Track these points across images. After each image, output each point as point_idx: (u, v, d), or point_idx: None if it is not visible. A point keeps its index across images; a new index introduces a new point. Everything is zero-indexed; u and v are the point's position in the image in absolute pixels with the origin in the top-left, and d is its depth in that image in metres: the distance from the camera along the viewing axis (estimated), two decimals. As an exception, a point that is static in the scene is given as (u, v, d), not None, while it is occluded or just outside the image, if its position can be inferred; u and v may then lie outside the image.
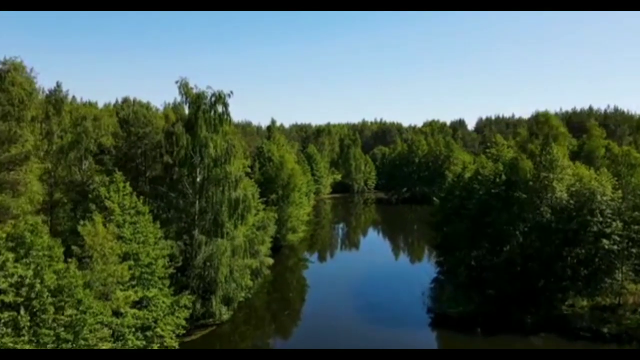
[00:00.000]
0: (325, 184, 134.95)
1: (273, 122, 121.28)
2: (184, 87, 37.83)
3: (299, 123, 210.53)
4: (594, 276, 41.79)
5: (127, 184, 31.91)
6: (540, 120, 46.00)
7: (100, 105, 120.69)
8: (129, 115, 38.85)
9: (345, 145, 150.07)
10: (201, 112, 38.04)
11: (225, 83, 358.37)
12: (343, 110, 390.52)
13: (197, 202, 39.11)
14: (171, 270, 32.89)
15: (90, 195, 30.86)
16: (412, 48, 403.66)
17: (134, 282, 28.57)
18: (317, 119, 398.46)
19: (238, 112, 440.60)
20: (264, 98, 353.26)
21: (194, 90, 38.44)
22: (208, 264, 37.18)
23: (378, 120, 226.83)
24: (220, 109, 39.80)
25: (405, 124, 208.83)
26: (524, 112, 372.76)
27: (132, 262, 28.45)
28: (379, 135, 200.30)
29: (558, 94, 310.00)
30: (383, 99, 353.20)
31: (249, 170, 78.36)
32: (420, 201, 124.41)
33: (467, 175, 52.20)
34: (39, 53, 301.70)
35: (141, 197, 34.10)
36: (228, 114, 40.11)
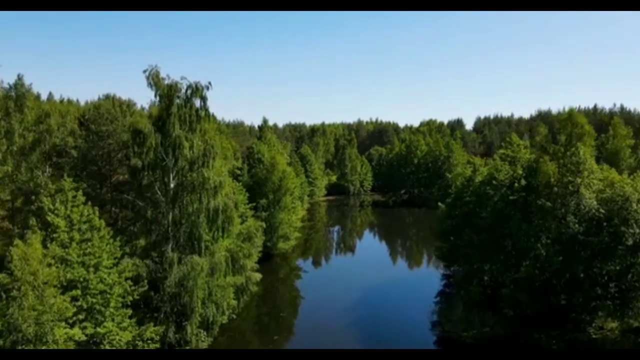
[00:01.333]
0: (320, 185, 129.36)
1: (265, 121, 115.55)
2: (153, 78, 32.12)
3: (293, 123, 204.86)
4: (626, 294, 36.63)
5: (80, 192, 26.20)
6: (562, 118, 40.69)
7: (82, 103, 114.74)
8: (89, 111, 33.09)
9: (341, 145, 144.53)
10: (174, 106, 32.39)
11: (219, 83, 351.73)
12: (338, 109, 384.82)
13: (171, 212, 33.47)
14: (133, 296, 27.18)
15: (32, 207, 25.13)
16: (408, 47, 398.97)
17: (81, 317, 22.87)
18: (311, 119, 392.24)
19: (230, 112, 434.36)
20: (257, 97, 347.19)
21: (166, 81, 32.76)
22: (183, 284, 31.50)
23: (374, 119, 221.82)
24: (197, 103, 34.17)
25: (401, 124, 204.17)
26: (524, 111, 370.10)
27: (78, 292, 22.75)
28: (375, 135, 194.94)
29: (558, 93, 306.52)
30: (379, 98, 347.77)
31: (238, 172, 73.11)
32: (419, 204, 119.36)
33: (478, 179, 46.83)
34: (34, 54, 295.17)
35: (98, 208, 28.49)
36: (207, 109, 34.48)
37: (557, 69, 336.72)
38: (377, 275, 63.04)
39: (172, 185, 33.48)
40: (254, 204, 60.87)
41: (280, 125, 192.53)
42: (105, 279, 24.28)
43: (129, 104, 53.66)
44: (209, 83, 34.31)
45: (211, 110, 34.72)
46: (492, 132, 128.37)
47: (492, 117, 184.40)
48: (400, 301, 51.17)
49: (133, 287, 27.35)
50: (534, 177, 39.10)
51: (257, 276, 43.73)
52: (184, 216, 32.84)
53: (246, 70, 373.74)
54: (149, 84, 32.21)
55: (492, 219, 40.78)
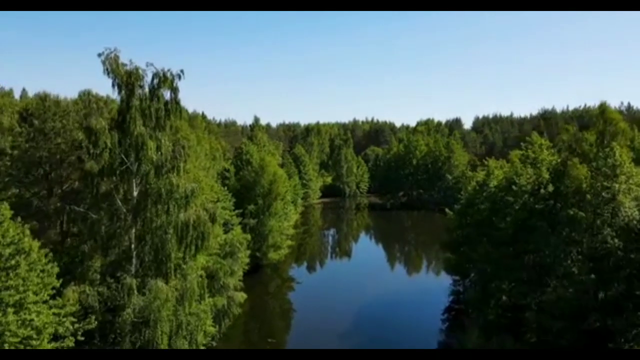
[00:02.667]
0: (315, 188, 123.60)
1: (256, 119, 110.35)
2: (110, 63, 26.33)
3: (287, 123, 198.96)
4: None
5: (5, 205, 20.39)
6: (594, 113, 35.36)
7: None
8: (32, 104, 27.29)
9: (336, 145, 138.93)
10: (136, 98, 26.65)
11: (211, 81, 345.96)
12: (333, 109, 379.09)
13: (134, 226, 27.72)
14: (77, 337, 21.41)
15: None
16: (405, 46, 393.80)
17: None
18: (306, 118, 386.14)
19: (223, 112, 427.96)
20: (251, 97, 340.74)
21: (128, 67, 26.99)
22: (145, 316, 25.75)
23: (369, 119, 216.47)
24: (167, 95, 28.48)
25: (397, 124, 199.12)
26: (523, 110, 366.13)
27: (-12, 343, 16.97)
28: (372, 135, 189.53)
29: (558, 91, 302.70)
30: (375, 98, 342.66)
31: (227, 174, 67.43)
32: (418, 207, 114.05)
33: (493, 183, 41.34)
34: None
35: (42, 222, 22.77)
36: (178, 103, 28.75)
37: (557, 67, 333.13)
38: (376, 286, 57.85)
39: (135, 194, 27.75)
40: (241, 210, 55.24)
41: (273, 125, 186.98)
42: (32, 320, 18.49)
43: (106, 101, 47.82)
44: (181, 71, 28.60)
45: (201, 109, 29.41)
46: (494, 132, 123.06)
47: (491, 116, 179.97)
48: (403, 317, 46.00)
49: (77, 325, 21.58)
50: (562, 182, 33.66)
51: (241, 296, 37.98)
52: (148, 231, 27.10)
53: (239, 68, 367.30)
54: (106, 70, 26.43)
55: (513, 230, 35.32)
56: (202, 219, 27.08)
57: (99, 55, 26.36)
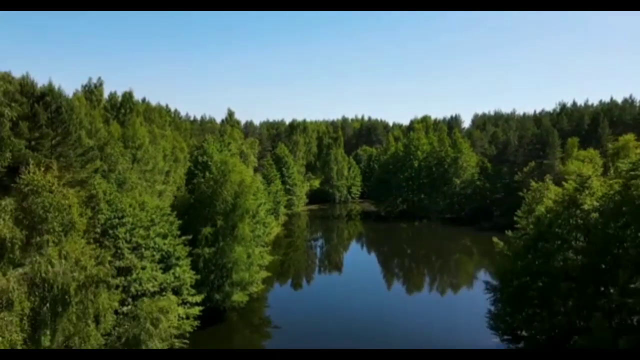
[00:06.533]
0: (300, 193, 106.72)
1: (230, 113, 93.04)
2: None
3: (271, 120, 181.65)
4: None
5: None
6: None
7: None
8: None
9: (325, 144, 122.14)
10: None
11: (196, 78, 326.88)
12: (320, 106, 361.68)
13: None
14: None
15: None
16: (395, 43, 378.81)
17: None
18: (291, 116, 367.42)
19: (202, 109, 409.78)
20: (230, 91, 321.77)
21: None
22: None
23: (360, 117, 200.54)
24: None
25: (390, 122, 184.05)
26: (526, 108, 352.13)
27: None
28: (363, 133, 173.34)
29: (559, 88, 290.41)
30: (365, 94, 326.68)
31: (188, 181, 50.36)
32: (419, 215, 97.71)
33: (588, 202, 25.04)
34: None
35: None
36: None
37: (558, 64, 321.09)
38: (377, 329, 42.02)
39: None
40: (192, 235, 38.39)
41: (257, 122, 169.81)
42: None
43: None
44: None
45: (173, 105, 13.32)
46: (508, 129, 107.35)
47: (492, 113, 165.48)
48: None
49: None
50: None
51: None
52: None
53: (217, 62, 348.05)
54: None
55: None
56: None
57: None
